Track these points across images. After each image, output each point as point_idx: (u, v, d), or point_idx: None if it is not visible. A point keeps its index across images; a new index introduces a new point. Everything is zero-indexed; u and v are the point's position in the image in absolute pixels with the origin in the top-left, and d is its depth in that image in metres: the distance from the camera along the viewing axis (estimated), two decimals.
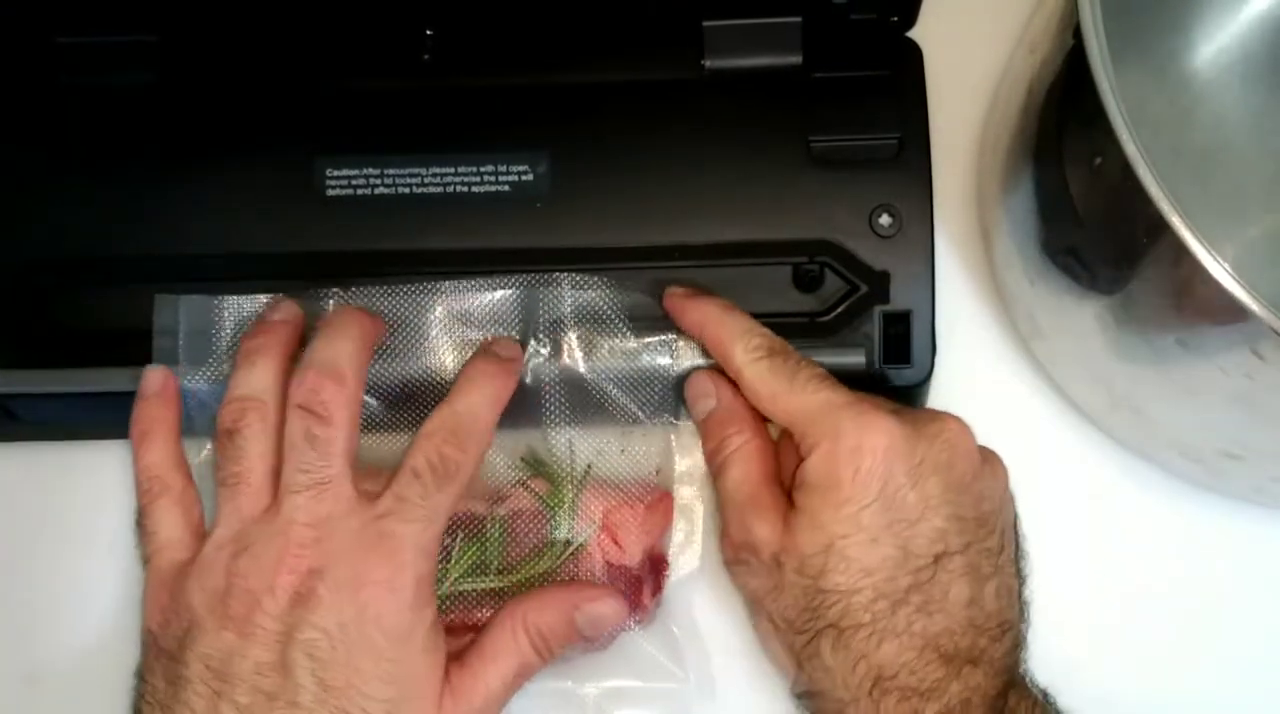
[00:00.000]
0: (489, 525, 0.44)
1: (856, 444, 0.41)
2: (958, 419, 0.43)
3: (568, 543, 0.44)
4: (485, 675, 0.41)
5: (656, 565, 0.45)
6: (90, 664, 0.46)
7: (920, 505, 0.41)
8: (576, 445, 0.46)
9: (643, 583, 0.44)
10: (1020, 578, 0.43)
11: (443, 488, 0.41)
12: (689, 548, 0.46)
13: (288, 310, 0.44)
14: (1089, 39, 0.37)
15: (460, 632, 0.43)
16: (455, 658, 0.42)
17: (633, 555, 0.44)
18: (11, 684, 0.46)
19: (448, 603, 0.43)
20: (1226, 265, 0.35)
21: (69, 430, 0.49)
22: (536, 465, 0.46)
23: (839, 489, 0.41)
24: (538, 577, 0.44)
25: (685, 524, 0.46)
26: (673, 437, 0.46)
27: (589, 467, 0.46)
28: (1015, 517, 0.44)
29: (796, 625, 0.42)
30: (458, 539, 0.44)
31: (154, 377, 0.44)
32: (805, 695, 0.43)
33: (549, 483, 0.45)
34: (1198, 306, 0.37)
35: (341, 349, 0.42)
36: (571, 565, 0.44)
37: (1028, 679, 0.43)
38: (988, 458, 0.43)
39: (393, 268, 0.46)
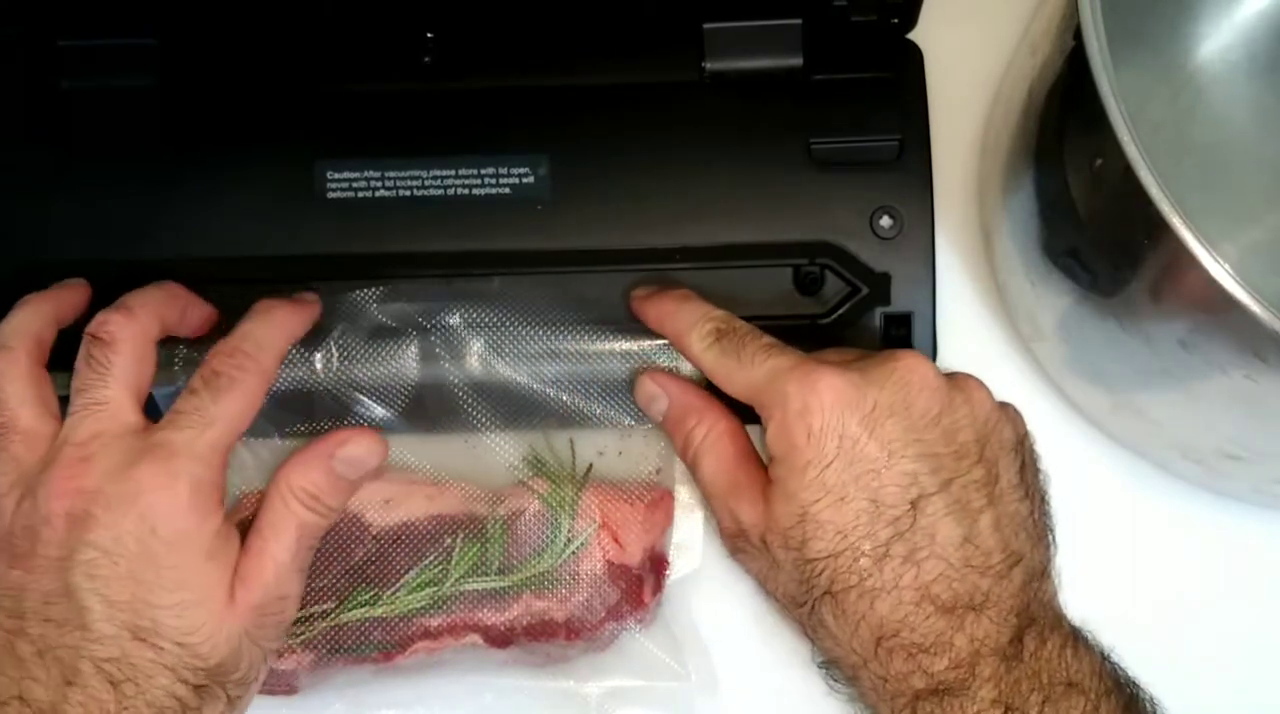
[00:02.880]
0: (490, 525, 0.44)
1: (803, 405, 0.40)
2: (912, 354, 0.41)
3: (569, 542, 0.44)
4: (269, 552, 0.41)
5: (657, 564, 0.45)
6: None
7: (882, 453, 0.40)
8: (577, 445, 0.46)
9: (643, 582, 0.44)
10: (1034, 502, 0.42)
11: (217, 399, 0.40)
12: (689, 547, 0.46)
13: (72, 285, 0.45)
14: (1089, 40, 0.37)
15: (461, 632, 0.43)
16: (244, 548, 0.41)
17: (633, 554, 0.44)
18: None
19: (449, 603, 0.43)
20: (1228, 266, 0.35)
21: None
22: (537, 465, 0.46)
23: (798, 455, 0.40)
24: (539, 576, 0.44)
25: (686, 523, 0.46)
26: None
27: (590, 466, 0.46)
28: (1021, 437, 0.42)
29: (798, 599, 0.41)
30: (459, 539, 0.44)
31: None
32: (825, 665, 0.43)
33: (550, 482, 0.45)
34: (1199, 308, 0.37)
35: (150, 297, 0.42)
36: (572, 564, 0.44)
37: (1056, 614, 0.41)
38: (958, 385, 0.42)
39: (393, 270, 0.46)
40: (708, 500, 0.44)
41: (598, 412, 0.45)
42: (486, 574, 0.44)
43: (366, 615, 0.43)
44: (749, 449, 0.44)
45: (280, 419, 0.45)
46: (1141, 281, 0.40)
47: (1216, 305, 0.35)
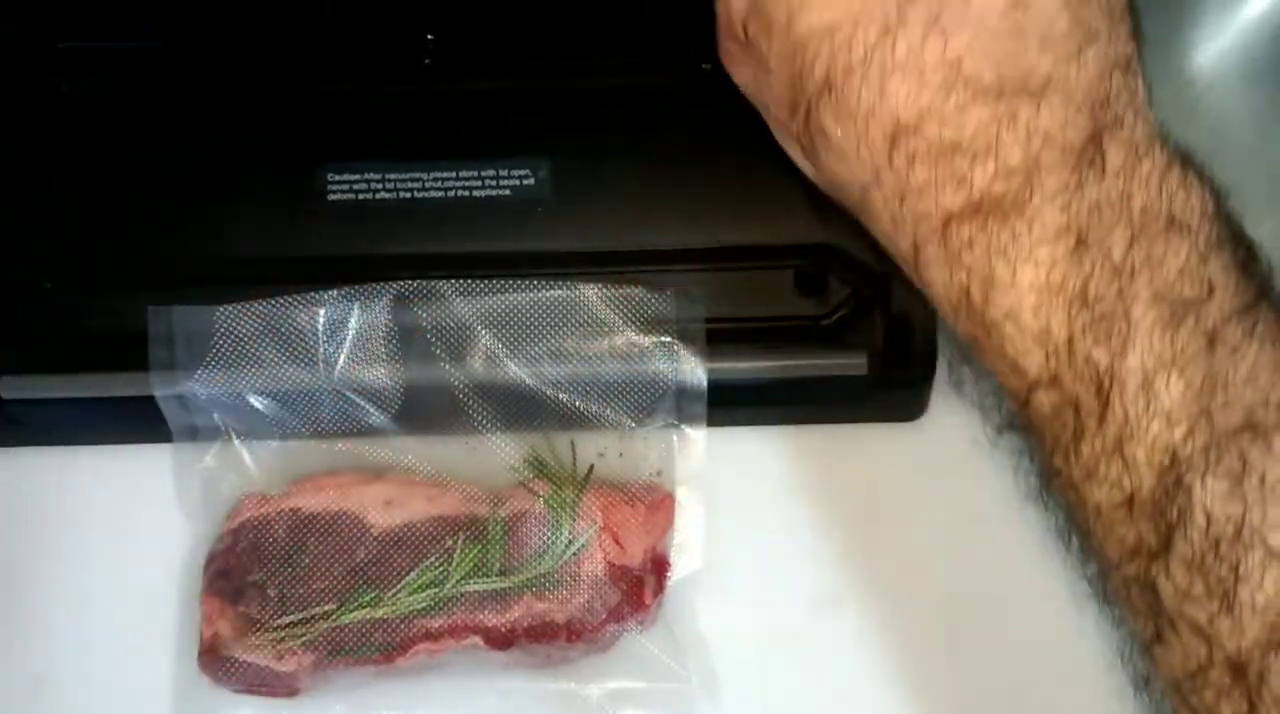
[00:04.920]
0: (491, 527, 0.44)
1: None
2: None
3: (569, 543, 0.44)
4: None
5: (658, 566, 0.45)
6: (93, 664, 0.46)
7: None
8: (578, 447, 0.46)
9: (644, 583, 0.44)
10: None
11: None
12: (690, 548, 0.46)
13: None
14: None
15: (462, 633, 0.43)
16: None
17: (634, 556, 0.44)
18: (19, 686, 0.46)
19: (450, 604, 0.43)
20: None
21: (72, 435, 0.49)
22: (538, 467, 0.46)
23: None
24: (540, 578, 0.44)
25: (687, 525, 0.46)
26: (675, 438, 0.46)
27: (591, 468, 0.46)
28: None
29: (793, 106, 0.33)
30: (460, 540, 0.44)
31: None
32: (829, 189, 0.35)
33: (551, 484, 0.45)
34: None
35: None
36: (573, 566, 0.44)
37: (1150, 126, 0.31)
38: None
39: (394, 271, 0.46)
40: None
41: (599, 413, 0.45)
42: (487, 575, 0.44)
43: (367, 617, 0.43)
44: None
45: (281, 421, 0.45)
46: None
47: None
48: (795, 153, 0.36)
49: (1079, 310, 0.29)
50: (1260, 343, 0.29)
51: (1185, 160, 0.31)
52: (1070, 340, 0.29)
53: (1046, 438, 0.31)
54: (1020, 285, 0.30)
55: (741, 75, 0.36)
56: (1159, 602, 0.29)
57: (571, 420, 0.46)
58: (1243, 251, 0.31)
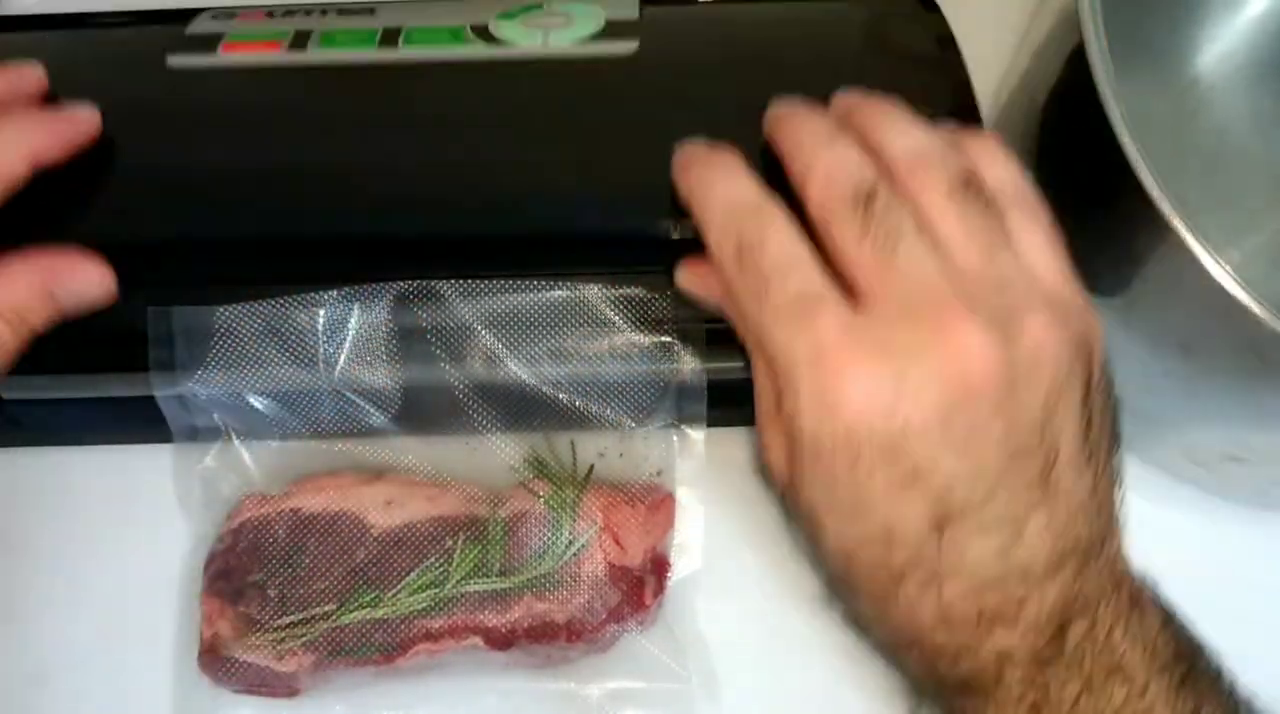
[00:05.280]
0: (491, 527, 0.44)
1: (815, 420, 0.34)
2: (969, 326, 0.33)
3: (570, 544, 0.44)
4: None
5: (659, 566, 0.45)
6: (93, 664, 0.46)
7: (902, 478, 0.33)
8: (578, 447, 0.46)
9: (645, 584, 0.44)
10: (1098, 464, 0.35)
11: None
12: (691, 549, 0.46)
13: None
14: (1090, 43, 0.37)
15: (462, 633, 0.43)
16: None
17: (634, 556, 0.44)
18: (16, 684, 0.46)
19: (450, 604, 0.43)
20: (1229, 269, 0.35)
21: (72, 436, 0.49)
22: (538, 467, 0.46)
23: (803, 451, 0.35)
24: (540, 578, 0.44)
25: (687, 525, 0.46)
26: (675, 438, 0.46)
27: (591, 468, 0.46)
28: (1088, 379, 0.35)
29: (822, 563, 0.38)
30: (460, 541, 0.44)
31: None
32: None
33: (551, 484, 0.45)
34: (1201, 310, 0.37)
35: None
36: (573, 566, 0.44)
37: (1114, 584, 0.35)
38: (1025, 347, 0.33)
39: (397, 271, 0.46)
40: None
41: (599, 413, 0.45)
42: (487, 576, 0.44)
43: (367, 617, 0.43)
44: None
45: (281, 421, 0.45)
46: (1143, 284, 0.40)
47: (1218, 308, 0.35)
48: (774, 457, 0.39)
49: None
50: None
51: (1135, 601, 0.35)
52: None
53: None
54: None
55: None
56: None
57: (572, 420, 0.46)
58: (1186, 663, 0.36)
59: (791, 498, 0.37)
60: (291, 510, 0.45)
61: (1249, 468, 0.44)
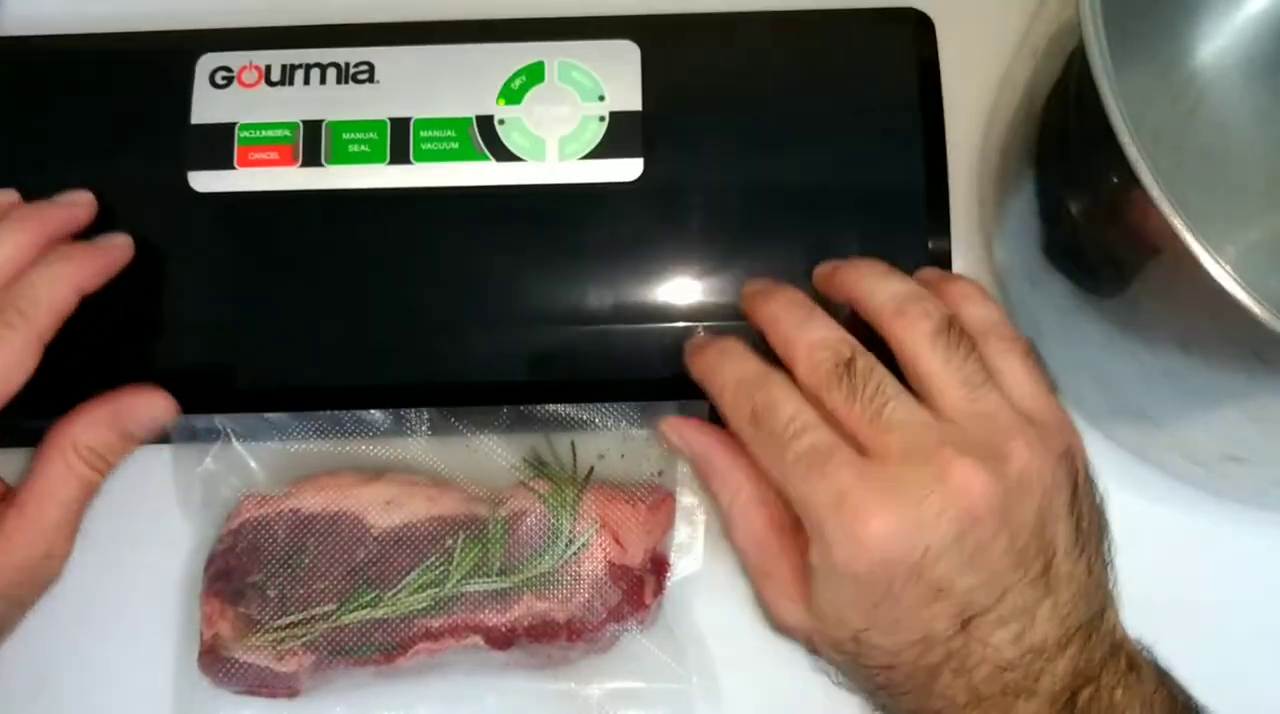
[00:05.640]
0: (491, 526, 0.44)
1: (846, 557, 0.38)
2: (964, 465, 0.38)
3: (570, 543, 0.44)
4: (45, 511, 0.41)
5: (659, 566, 0.45)
6: (97, 667, 0.46)
7: (932, 591, 0.38)
8: (579, 447, 0.46)
9: (645, 583, 0.44)
10: (1091, 552, 0.40)
11: None
12: (691, 549, 0.46)
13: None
14: (1090, 43, 0.37)
15: (462, 633, 0.43)
16: (6, 501, 0.41)
17: (634, 556, 0.44)
18: (20, 687, 0.47)
19: (451, 604, 0.43)
20: (1228, 268, 0.35)
21: None
22: (539, 466, 0.46)
23: (843, 591, 0.39)
24: (540, 577, 0.44)
25: (687, 525, 0.46)
26: None
27: (591, 468, 0.46)
28: (1075, 487, 0.40)
29: (857, 681, 0.42)
30: (460, 540, 0.44)
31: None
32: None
33: (551, 484, 0.45)
34: (1200, 309, 0.37)
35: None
36: (574, 566, 0.44)
37: (1113, 650, 0.40)
38: (1016, 473, 0.38)
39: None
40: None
41: (599, 421, 0.46)
42: (488, 575, 0.44)
43: (368, 617, 0.43)
44: (779, 520, 0.42)
45: (281, 422, 0.45)
46: (1142, 283, 0.40)
47: (1217, 306, 0.35)
48: (778, 595, 0.43)
49: None
50: None
51: (1131, 663, 0.40)
52: None
53: None
54: None
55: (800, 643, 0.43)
56: None
57: (572, 421, 0.46)
58: None
59: (820, 636, 0.41)
60: (291, 511, 0.45)
61: (1249, 468, 0.44)
